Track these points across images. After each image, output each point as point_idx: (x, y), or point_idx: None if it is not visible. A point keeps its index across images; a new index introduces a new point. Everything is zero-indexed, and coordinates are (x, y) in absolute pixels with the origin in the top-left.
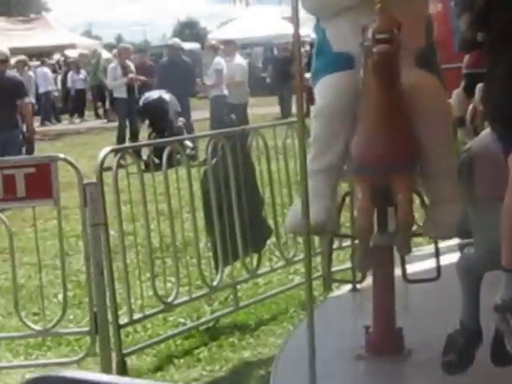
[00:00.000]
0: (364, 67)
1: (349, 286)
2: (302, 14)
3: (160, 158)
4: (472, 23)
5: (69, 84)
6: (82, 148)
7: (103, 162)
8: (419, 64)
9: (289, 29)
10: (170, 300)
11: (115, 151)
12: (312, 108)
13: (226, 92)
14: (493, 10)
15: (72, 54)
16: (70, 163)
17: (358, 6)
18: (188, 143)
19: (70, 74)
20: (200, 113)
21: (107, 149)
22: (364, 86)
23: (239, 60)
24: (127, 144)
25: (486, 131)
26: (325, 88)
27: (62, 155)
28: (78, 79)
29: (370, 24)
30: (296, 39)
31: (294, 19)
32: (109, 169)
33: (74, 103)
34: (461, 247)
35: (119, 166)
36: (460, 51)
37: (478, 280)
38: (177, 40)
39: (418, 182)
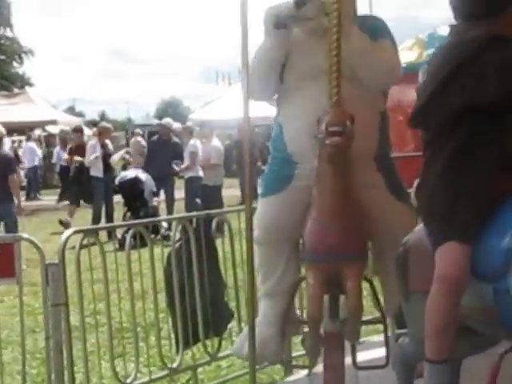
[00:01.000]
0: (318, 158)
1: (306, 371)
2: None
3: (135, 237)
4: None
5: (54, 160)
6: (57, 225)
7: (66, 242)
8: (378, 165)
9: (270, 111)
10: (129, 381)
11: (78, 232)
12: None
13: (201, 173)
14: (429, 112)
15: (53, 129)
16: (33, 243)
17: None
18: (164, 223)
19: (56, 150)
20: (179, 192)
21: (70, 230)
22: (318, 176)
23: (216, 142)
24: (88, 226)
25: (421, 225)
26: (261, 214)
27: (25, 235)
28: (63, 155)
29: (323, 117)
30: (246, 127)
31: (245, 108)
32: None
33: (58, 179)
34: (396, 337)
35: (84, 246)
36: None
37: (411, 369)
38: (168, 120)
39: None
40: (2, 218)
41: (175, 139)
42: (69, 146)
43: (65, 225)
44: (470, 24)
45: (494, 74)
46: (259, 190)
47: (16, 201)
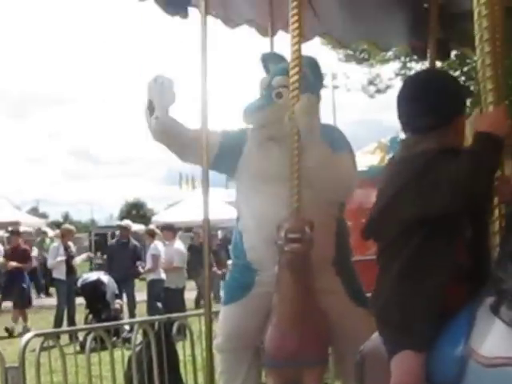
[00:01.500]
0: (278, 264)
1: None
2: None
3: (96, 340)
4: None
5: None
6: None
7: (26, 346)
8: (337, 269)
9: (233, 213)
10: None
11: (39, 336)
12: None
13: (163, 276)
14: (381, 224)
15: None
16: None
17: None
18: (125, 326)
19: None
20: (143, 294)
21: (30, 334)
22: (278, 282)
23: (178, 245)
24: (49, 330)
25: (377, 333)
26: (222, 322)
27: None
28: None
29: (283, 223)
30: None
31: (205, 211)
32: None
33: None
34: None
35: (44, 348)
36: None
37: None
38: (128, 222)
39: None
40: None
41: (134, 241)
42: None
43: (10, 332)
44: (419, 137)
45: (445, 186)
46: (222, 297)
47: None
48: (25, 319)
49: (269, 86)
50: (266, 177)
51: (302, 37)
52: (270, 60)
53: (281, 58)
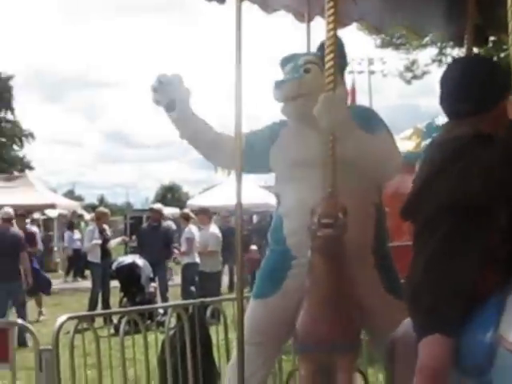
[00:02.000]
0: (311, 249)
1: None
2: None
3: (129, 323)
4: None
5: (66, 244)
6: (53, 309)
7: (60, 328)
8: (375, 260)
9: (269, 198)
10: None
11: (73, 318)
12: None
13: (197, 260)
14: (417, 207)
15: (51, 213)
16: (27, 329)
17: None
18: (159, 310)
19: (66, 234)
20: (177, 278)
21: (64, 317)
22: (310, 267)
23: (213, 229)
24: (83, 313)
25: (408, 318)
26: (250, 315)
27: (20, 321)
28: (75, 239)
29: (316, 208)
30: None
31: (238, 196)
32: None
33: (71, 262)
34: None
35: (78, 331)
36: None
37: None
38: (159, 205)
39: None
40: (11, 296)
41: (165, 224)
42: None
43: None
44: (457, 122)
45: (478, 175)
46: (254, 288)
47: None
48: (39, 304)
49: (295, 65)
50: (304, 163)
51: (338, 23)
52: (289, 61)
53: (301, 54)
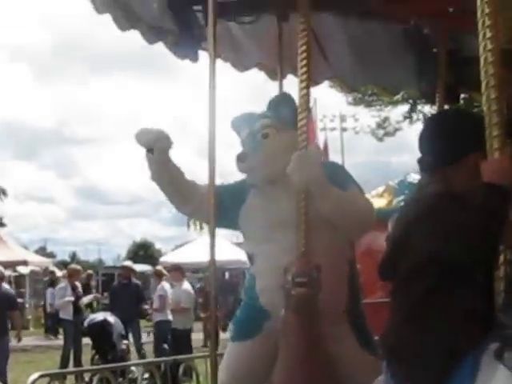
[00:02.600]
0: (285, 308)
1: None
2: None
3: (102, 381)
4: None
5: (49, 300)
6: (25, 366)
7: None
8: (349, 316)
9: (241, 255)
10: None
11: (44, 376)
12: None
13: (170, 317)
14: (397, 259)
15: (23, 270)
16: None
17: None
18: (132, 367)
19: (48, 291)
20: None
21: (36, 375)
22: (284, 326)
23: (186, 286)
24: (55, 370)
25: (381, 377)
26: (228, 360)
27: None
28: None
29: (289, 267)
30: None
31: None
32: None
33: (50, 320)
34: None
35: None
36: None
37: None
38: (129, 262)
39: None
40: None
41: (135, 281)
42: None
43: None
44: (429, 177)
45: (454, 239)
46: (229, 334)
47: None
48: None
49: (251, 132)
50: (277, 224)
51: (311, 80)
52: (240, 121)
53: (250, 114)
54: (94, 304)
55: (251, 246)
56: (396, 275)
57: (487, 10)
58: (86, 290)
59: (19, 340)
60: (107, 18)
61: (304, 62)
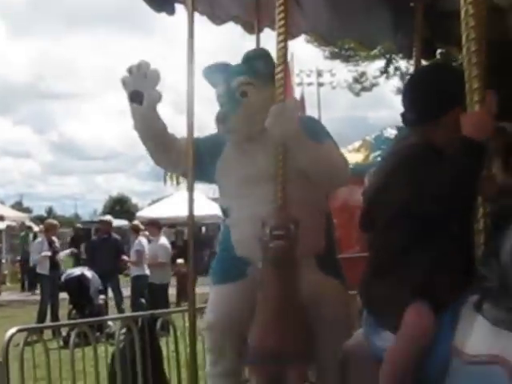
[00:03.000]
0: (262, 262)
1: None
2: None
3: (79, 336)
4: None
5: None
6: (2, 321)
7: (10, 340)
8: (321, 265)
9: (217, 210)
10: None
11: (22, 330)
12: None
13: (147, 272)
14: (375, 210)
15: (0, 225)
16: None
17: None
18: (109, 322)
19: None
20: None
21: (13, 329)
22: (262, 280)
23: (163, 241)
24: (32, 325)
25: (359, 330)
26: (215, 301)
27: None
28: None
29: (267, 220)
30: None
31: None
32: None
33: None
34: None
35: (28, 343)
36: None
37: None
38: (109, 217)
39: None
40: None
41: (115, 236)
42: None
43: None
44: (409, 131)
45: (428, 191)
46: (213, 277)
47: None
48: None
49: (229, 89)
50: (253, 178)
51: (288, 34)
52: (213, 72)
53: (224, 66)
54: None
55: (227, 200)
56: (374, 227)
57: None
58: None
59: None
60: None
61: (281, 15)
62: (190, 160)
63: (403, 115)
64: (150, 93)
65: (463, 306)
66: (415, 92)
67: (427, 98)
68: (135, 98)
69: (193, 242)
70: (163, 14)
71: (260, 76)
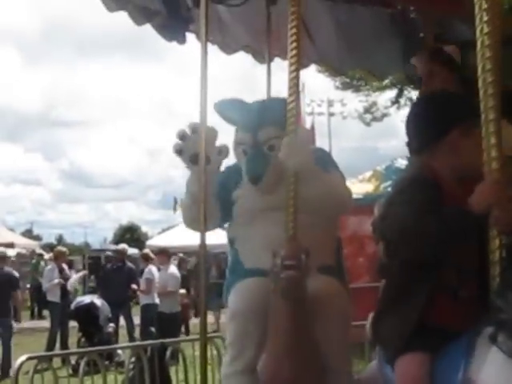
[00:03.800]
0: (273, 293)
1: None
2: None
3: (89, 364)
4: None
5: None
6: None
7: (19, 369)
8: (324, 272)
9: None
10: None
11: (32, 358)
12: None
13: (157, 301)
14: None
15: (10, 252)
16: None
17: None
18: (118, 350)
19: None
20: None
21: (23, 357)
22: (273, 311)
23: (173, 269)
24: (42, 353)
25: (372, 363)
26: (239, 292)
27: None
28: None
29: (278, 251)
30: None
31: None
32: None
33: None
34: None
35: (37, 371)
36: (378, 275)
37: None
38: (124, 245)
39: None
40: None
41: (129, 264)
42: None
43: None
44: (412, 158)
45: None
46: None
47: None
48: None
49: (255, 142)
50: (266, 207)
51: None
52: (228, 108)
53: (240, 103)
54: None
55: (236, 229)
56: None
57: None
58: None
59: (18, 321)
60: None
61: (294, 44)
62: (201, 186)
63: (407, 144)
64: (215, 157)
65: (478, 336)
66: (410, 121)
67: (420, 125)
68: (195, 160)
69: (204, 272)
70: (174, 43)
71: (283, 127)
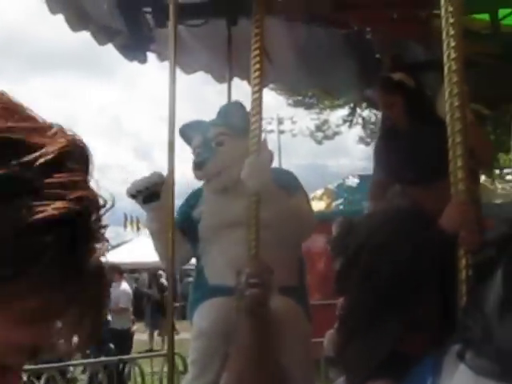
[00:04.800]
0: (236, 312)
1: None
2: None
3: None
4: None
5: None
6: None
7: None
8: (286, 294)
9: None
10: None
11: None
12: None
13: (109, 317)
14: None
15: None
16: None
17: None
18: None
19: None
20: None
21: None
22: (236, 329)
23: (124, 286)
24: None
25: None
26: (204, 312)
27: None
28: None
29: (243, 269)
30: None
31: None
32: None
33: None
34: None
35: None
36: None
37: None
38: None
39: None
40: None
41: None
42: None
43: None
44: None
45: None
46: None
47: None
48: None
49: (205, 140)
50: (228, 223)
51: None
52: (190, 130)
53: (200, 122)
54: None
55: (201, 245)
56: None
57: (451, 20)
58: None
59: None
60: (50, 17)
61: (257, 65)
62: (169, 204)
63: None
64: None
65: (445, 355)
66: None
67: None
68: (148, 199)
69: (172, 289)
70: (135, 63)
71: (235, 128)
